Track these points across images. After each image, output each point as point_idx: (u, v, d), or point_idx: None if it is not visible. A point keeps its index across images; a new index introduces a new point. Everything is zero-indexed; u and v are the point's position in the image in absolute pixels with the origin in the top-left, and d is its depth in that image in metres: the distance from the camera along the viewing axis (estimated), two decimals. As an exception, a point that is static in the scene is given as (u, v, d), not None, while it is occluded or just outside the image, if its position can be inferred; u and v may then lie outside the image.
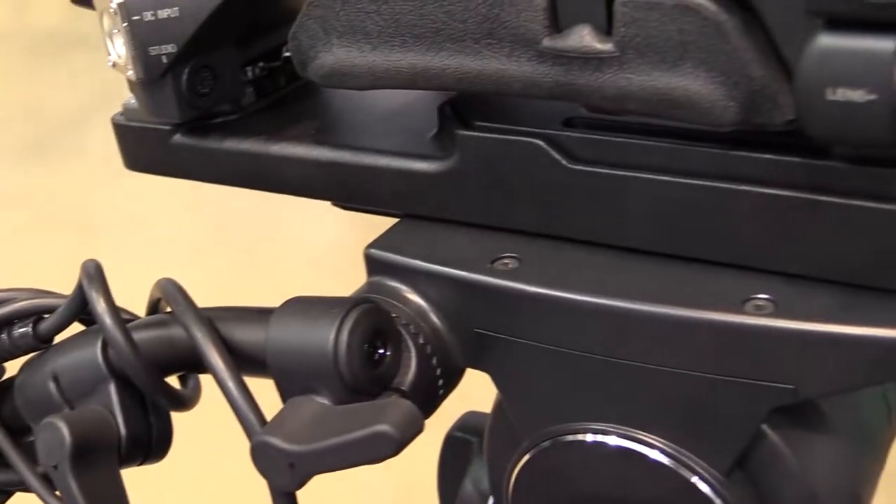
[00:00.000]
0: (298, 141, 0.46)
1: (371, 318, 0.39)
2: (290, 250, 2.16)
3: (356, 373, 0.38)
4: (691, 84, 0.34)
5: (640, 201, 0.38)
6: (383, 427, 0.36)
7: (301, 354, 0.39)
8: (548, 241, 0.41)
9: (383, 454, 0.36)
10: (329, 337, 0.38)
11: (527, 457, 0.42)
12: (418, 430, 0.36)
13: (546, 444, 0.41)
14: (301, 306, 0.40)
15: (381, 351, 0.39)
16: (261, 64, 0.51)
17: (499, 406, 0.44)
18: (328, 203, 0.48)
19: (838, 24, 0.31)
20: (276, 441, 0.37)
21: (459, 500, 0.50)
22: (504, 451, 0.44)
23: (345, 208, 0.48)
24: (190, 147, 0.49)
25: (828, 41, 0.31)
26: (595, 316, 0.38)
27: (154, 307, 0.47)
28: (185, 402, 0.46)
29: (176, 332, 0.43)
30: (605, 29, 0.35)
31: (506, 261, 0.41)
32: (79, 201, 2.45)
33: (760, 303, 0.36)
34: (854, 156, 0.35)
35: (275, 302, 0.41)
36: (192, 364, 0.43)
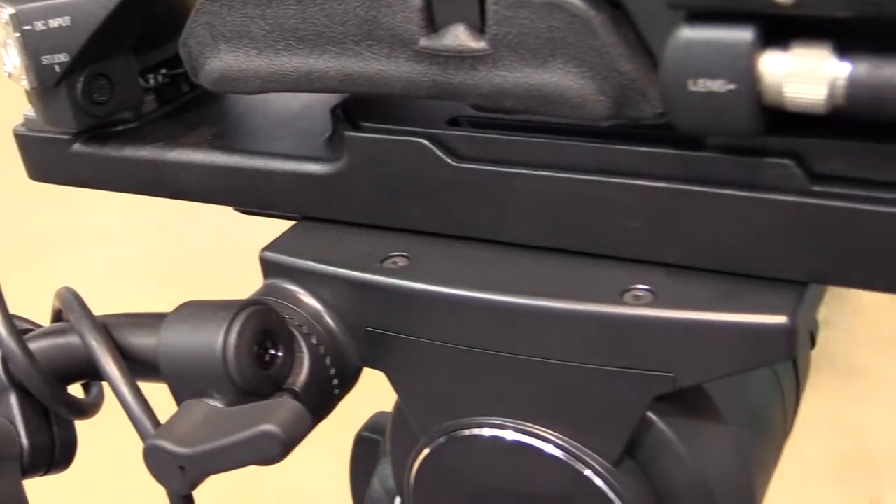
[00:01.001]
0: (195, 147, 0.46)
1: (260, 319, 0.39)
2: (244, 265, 2.15)
3: (246, 374, 0.38)
4: (562, 80, 0.35)
5: (523, 197, 0.39)
6: (268, 427, 0.36)
7: (191, 357, 0.39)
8: (437, 239, 0.41)
9: (270, 454, 0.36)
10: (218, 339, 0.38)
11: (425, 452, 0.43)
12: (305, 429, 0.37)
13: (442, 439, 0.42)
14: (192, 310, 0.40)
15: (273, 352, 0.39)
16: (163, 71, 0.51)
17: (398, 405, 0.45)
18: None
19: (698, 16, 0.32)
20: (165, 444, 0.37)
21: (368, 498, 0.50)
22: (405, 448, 0.44)
23: (245, 213, 0.48)
24: (90, 155, 0.49)
25: (688, 34, 0.32)
26: (480, 311, 0.39)
27: (57, 316, 0.47)
28: (86, 410, 0.46)
29: (73, 340, 0.43)
30: (479, 27, 0.36)
31: (395, 259, 0.41)
32: (23, 217, 2.43)
33: (639, 293, 0.37)
34: (725, 146, 0.35)
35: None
36: (92, 372, 0.43)
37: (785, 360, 0.36)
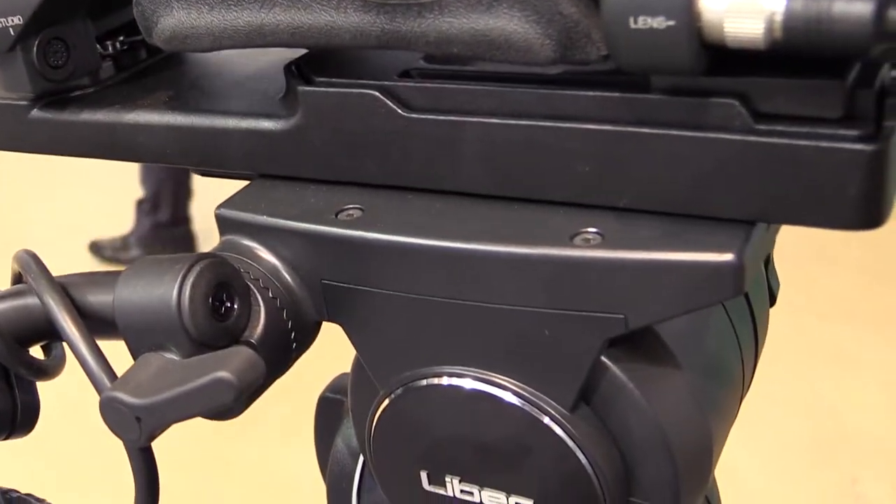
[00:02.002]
0: (151, 108, 0.46)
1: (215, 271, 0.39)
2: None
3: (201, 325, 0.38)
4: (508, 24, 0.35)
5: (474, 145, 0.39)
6: (222, 373, 0.36)
7: (147, 311, 0.39)
8: (391, 191, 0.42)
9: (224, 400, 0.36)
10: (172, 291, 0.38)
11: (384, 404, 0.43)
12: (258, 375, 0.37)
13: (400, 390, 0.42)
14: (147, 264, 0.40)
15: (228, 304, 0.40)
16: (121, 38, 0.51)
17: (357, 360, 0.45)
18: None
19: None
20: (120, 395, 0.38)
21: (332, 458, 0.50)
22: (364, 403, 0.44)
23: (203, 174, 0.48)
24: (48, 121, 0.49)
25: None
26: (434, 259, 0.39)
27: (17, 279, 0.47)
28: (48, 371, 0.46)
29: (32, 301, 0.43)
30: (426, -26, 0.36)
31: (350, 211, 0.41)
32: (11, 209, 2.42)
33: (588, 236, 0.37)
34: (670, 87, 0.36)
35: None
36: (51, 332, 0.43)
37: (732, 297, 0.36)
